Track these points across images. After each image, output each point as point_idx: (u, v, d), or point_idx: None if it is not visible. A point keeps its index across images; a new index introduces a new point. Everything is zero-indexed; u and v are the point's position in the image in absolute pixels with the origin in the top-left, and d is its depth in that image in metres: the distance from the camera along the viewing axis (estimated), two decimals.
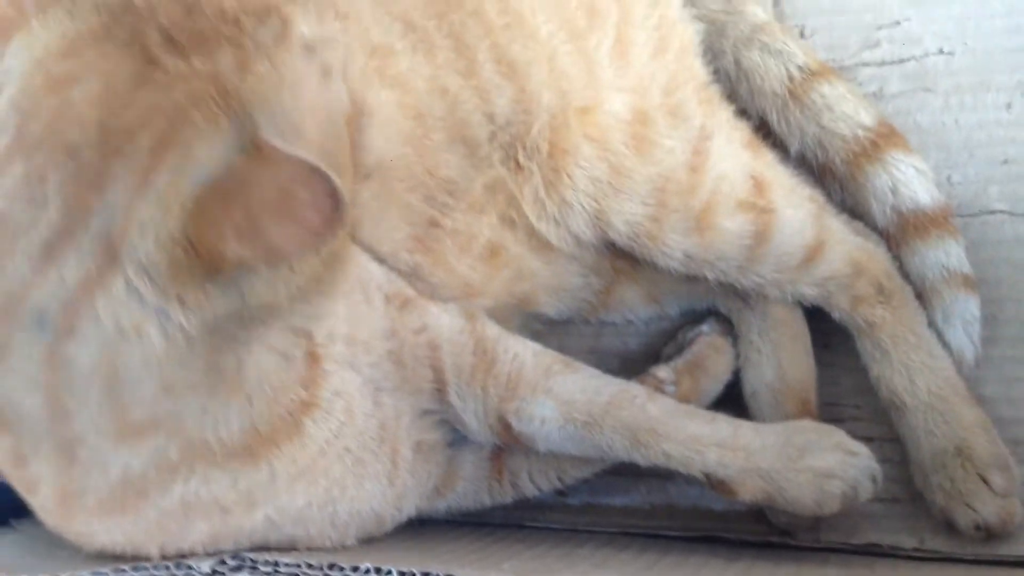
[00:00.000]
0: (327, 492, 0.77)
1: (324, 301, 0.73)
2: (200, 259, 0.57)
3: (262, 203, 0.56)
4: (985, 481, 0.84)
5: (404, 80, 0.85)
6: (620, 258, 0.95)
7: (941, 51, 0.99)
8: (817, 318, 0.95)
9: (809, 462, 0.81)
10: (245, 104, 0.59)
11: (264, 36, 0.63)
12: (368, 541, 0.83)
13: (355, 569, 0.71)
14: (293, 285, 0.63)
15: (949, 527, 0.86)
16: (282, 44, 0.63)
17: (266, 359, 0.70)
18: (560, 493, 0.98)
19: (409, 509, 0.86)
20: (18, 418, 0.66)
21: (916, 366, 0.88)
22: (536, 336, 0.91)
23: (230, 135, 0.58)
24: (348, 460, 0.78)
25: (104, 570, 0.72)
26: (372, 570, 0.71)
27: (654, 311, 1.01)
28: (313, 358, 0.75)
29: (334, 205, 0.55)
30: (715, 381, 0.95)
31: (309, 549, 0.78)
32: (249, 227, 0.56)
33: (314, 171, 0.55)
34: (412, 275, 0.86)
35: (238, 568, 0.73)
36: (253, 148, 0.58)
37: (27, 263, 0.60)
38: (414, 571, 0.69)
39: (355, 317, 0.79)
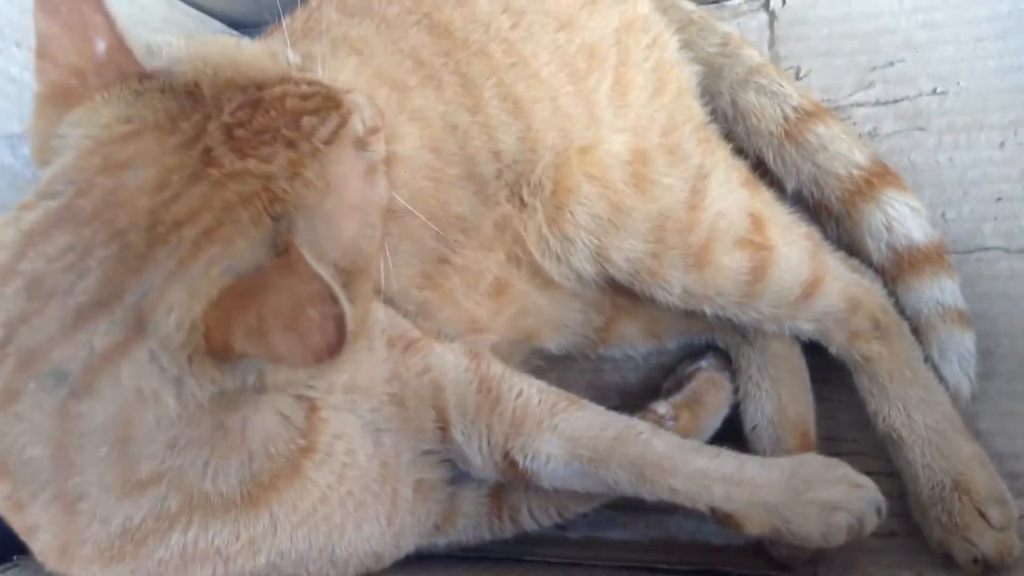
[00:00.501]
0: (327, 536, 0.78)
1: (336, 374, 0.76)
2: (210, 346, 0.58)
3: (276, 311, 0.57)
4: (983, 515, 0.85)
5: (422, 113, 0.86)
6: (620, 294, 0.96)
7: (935, 91, 1.01)
8: (815, 353, 0.96)
9: (815, 495, 0.81)
10: (289, 208, 0.61)
11: (320, 136, 0.64)
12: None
13: None
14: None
15: (947, 561, 0.87)
16: (335, 143, 0.65)
17: (270, 420, 0.71)
18: (560, 527, 0.98)
19: (408, 546, 0.86)
20: (19, 465, 0.66)
21: (913, 401, 0.89)
22: (537, 372, 0.91)
23: (269, 235, 0.60)
24: (350, 504, 0.78)
25: None
26: None
27: (653, 346, 1.02)
28: (312, 408, 0.76)
29: (338, 334, 0.56)
30: (713, 415, 0.96)
31: None
32: (258, 329, 0.57)
33: (328, 296, 0.56)
34: (419, 313, 0.87)
35: None
36: (284, 252, 0.59)
37: (56, 323, 0.61)
38: None
39: (355, 364, 0.79)
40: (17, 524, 0.70)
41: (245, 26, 1.22)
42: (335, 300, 0.56)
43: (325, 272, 0.57)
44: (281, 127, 0.64)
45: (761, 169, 1.00)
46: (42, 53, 0.67)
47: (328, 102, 0.66)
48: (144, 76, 0.66)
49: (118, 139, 0.62)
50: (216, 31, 1.22)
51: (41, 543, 0.70)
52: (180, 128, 0.62)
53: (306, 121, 0.64)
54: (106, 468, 0.64)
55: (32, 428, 0.64)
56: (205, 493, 0.68)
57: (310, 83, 0.68)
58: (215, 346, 0.58)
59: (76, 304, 0.61)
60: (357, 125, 0.67)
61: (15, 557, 0.92)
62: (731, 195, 0.91)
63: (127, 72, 0.66)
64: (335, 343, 0.56)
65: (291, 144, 0.63)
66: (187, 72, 0.65)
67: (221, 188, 0.60)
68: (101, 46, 0.66)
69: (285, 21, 0.96)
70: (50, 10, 0.66)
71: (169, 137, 0.62)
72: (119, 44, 0.66)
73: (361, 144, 0.66)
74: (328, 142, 0.64)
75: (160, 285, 0.59)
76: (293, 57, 0.73)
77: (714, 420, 0.96)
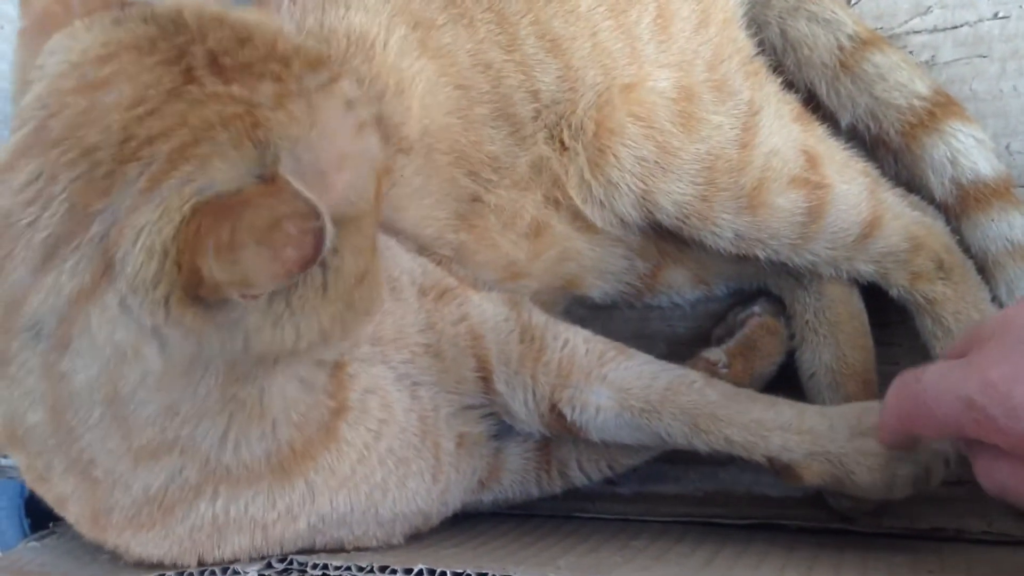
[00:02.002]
0: (369, 497, 0.76)
1: (351, 340, 0.72)
2: (180, 274, 0.54)
3: (251, 226, 0.53)
4: None
5: (447, 52, 0.83)
6: (666, 240, 0.93)
7: (996, 15, 0.95)
8: (874, 295, 0.92)
9: (879, 445, 0.77)
10: (274, 138, 0.57)
11: (309, 82, 0.61)
12: (415, 537, 0.82)
13: (408, 571, 0.69)
14: (308, 333, 0.61)
15: (1016, 508, 0.83)
16: (325, 92, 0.61)
17: (291, 387, 0.68)
18: (610, 482, 0.95)
19: (454, 504, 0.85)
20: (27, 434, 0.63)
21: None
22: (580, 322, 0.88)
23: (251, 161, 0.56)
24: (391, 461, 0.76)
25: None
26: (425, 571, 0.69)
27: (702, 293, 0.99)
28: (337, 365, 0.73)
29: (315, 247, 0.53)
30: (769, 363, 0.93)
31: (356, 549, 0.77)
32: (229, 247, 0.53)
33: (311, 211, 0.53)
34: (456, 259, 0.85)
35: (286, 571, 0.72)
36: (269, 179, 0.55)
37: (26, 267, 0.58)
38: (469, 571, 0.67)
39: (379, 315, 0.77)
40: (47, 496, 0.69)
41: None
42: (318, 215, 0.52)
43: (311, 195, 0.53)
44: (270, 63, 0.60)
45: (813, 104, 0.95)
46: None
47: (320, 62, 0.63)
48: (126, 4, 0.62)
49: (94, 60, 0.59)
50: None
51: (73, 513, 0.69)
52: (160, 48, 0.58)
53: (296, 64, 0.60)
54: (105, 432, 0.61)
55: (26, 392, 0.61)
56: (226, 465, 0.66)
57: (303, 41, 0.64)
58: (185, 273, 0.54)
59: (42, 240, 0.57)
60: (348, 87, 0.63)
61: (51, 524, 0.91)
62: (783, 131, 0.87)
63: (110, 1, 0.62)
64: (310, 256, 0.53)
65: (278, 79, 0.59)
66: (169, 3, 0.62)
67: (201, 106, 0.56)
68: None
69: None
70: None
71: (148, 57, 0.58)
72: None
73: (351, 106, 0.62)
74: (318, 88, 0.60)
75: (128, 207, 0.55)
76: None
77: (769, 368, 0.93)
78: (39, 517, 0.91)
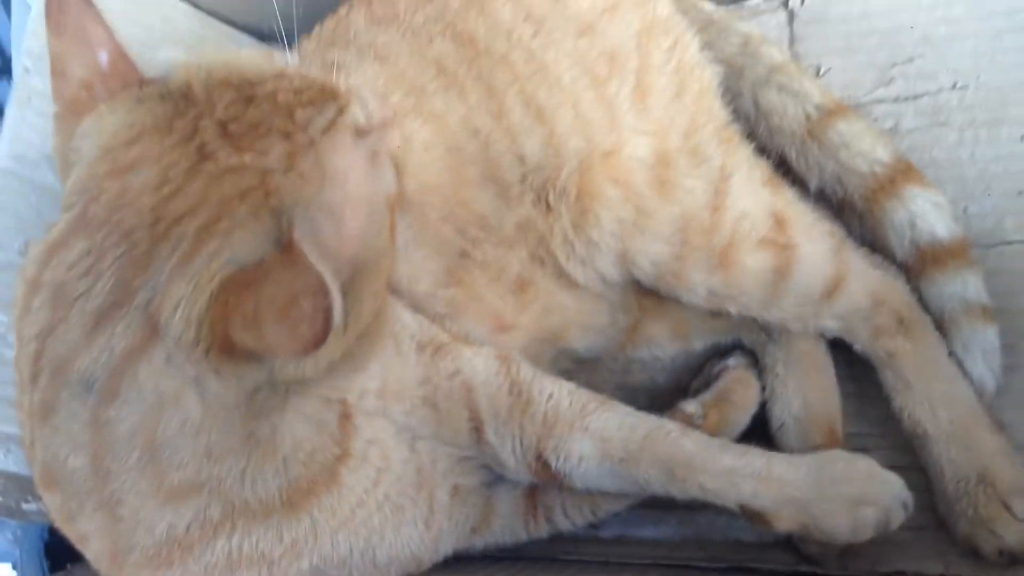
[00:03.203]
0: (367, 540, 0.80)
1: (356, 375, 0.77)
2: (215, 340, 0.60)
3: (271, 302, 0.58)
4: (1007, 507, 0.85)
5: (439, 116, 0.89)
6: (646, 296, 0.98)
7: (955, 86, 1.02)
8: (842, 349, 0.97)
9: (842, 491, 0.82)
10: (287, 202, 0.62)
11: (315, 126, 0.66)
12: None
13: None
14: (323, 362, 0.66)
15: (975, 553, 0.87)
16: (331, 132, 0.66)
17: (300, 426, 0.73)
18: (593, 526, 0.99)
19: (446, 549, 0.88)
20: (65, 476, 0.68)
21: (937, 396, 0.90)
22: (566, 374, 0.92)
23: (269, 229, 0.62)
24: (387, 508, 0.80)
25: None
26: None
27: (681, 347, 1.03)
28: (345, 415, 0.78)
29: (324, 326, 0.58)
30: (742, 413, 0.97)
31: None
32: (254, 320, 0.58)
33: (321, 288, 0.58)
34: (448, 315, 0.89)
35: None
36: (286, 245, 0.61)
37: (79, 330, 0.64)
38: None
39: (386, 370, 0.82)
40: (71, 534, 0.73)
41: (273, 39, 1.24)
42: (327, 292, 0.58)
43: (322, 266, 0.58)
44: (275, 120, 0.65)
45: (784, 168, 1.01)
46: (56, 72, 0.71)
47: (323, 94, 0.68)
48: (145, 83, 0.69)
49: (122, 144, 0.65)
50: (245, 45, 1.25)
51: (93, 551, 0.73)
52: (176, 127, 0.65)
53: (300, 113, 0.66)
54: (139, 474, 0.67)
55: (70, 439, 0.67)
56: (245, 500, 0.71)
57: (304, 78, 0.70)
58: (219, 339, 0.60)
59: (94, 308, 0.63)
60: (356, 114, 0.68)
61: (68, 565, 0.96)
62: (753, 195, 0.92)
63: (129, 80, 0.70)
64: (320, 335, 0.58)
65: (286, 136, 0.65)
66: (181, 76, 0.68)
67: (218, 182, 0.63)
68: (104, 57, 0.70)
69: (315, 30, 0.99)
70: (57, 30, 0.70)
71: (167, 137, 0.65)
72: (120, 54, 0.71)
73: (362, 133, 0.68)
74: (325, 131, 0.66)
75: (166, 281, 0.61)
76: (291, 59, 0.75)
77: (743, 418, 0.97)
78: (57, 559, 0.96)
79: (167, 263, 0.61)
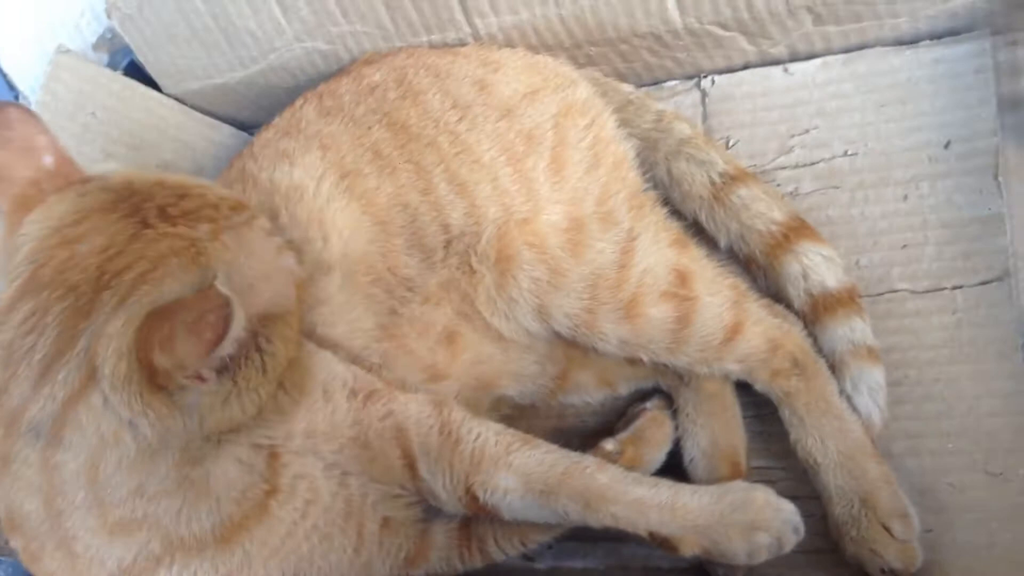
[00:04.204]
0: (297, 567, 0.88)
1: (284, 424, 0.86)
2: (140, 368, 0.70)
3: (183, 322, 0.69)
4: (887, 529, 0.94)
5: (370, 195, 0.99)
6: (571, 347, 1.06)
7: (846, 153, 1.12)
8: (749, 392, 1.06)
9: (739, 517, 0.90)
10: (213, 262, 0.75)
11: (235, 219, 0.80)
12: None
13: None
14: (250, 407, 0.77)
15: (862, 573, 0.96)
16: (248, 226, 0.80)
17: (232, 468, 0.82)
18: (527, 558, 1.09)
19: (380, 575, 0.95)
20: (23, 519, 0.78)
21: (827, 430, 0.99)
22: (506, 419, 1.00)
23: (196, 280, 0.74)
24: (315, 537, 0.88)
25: None
26: None
27: (607, 393, 1.13)
28: (272, 455, 0.86)
29: (225, 326, 0.69)
30: (657, 450, 1.05)
31: None
32: (168, 340, 0.69)
33: (225, 301, 0.69)
34: (383, 366, 0.97)
35: None
36: (206, 288, 0.72)
37: (27, 383, 0.74)
38: None
39: (312, 413, 0.89)
40: (38, 574, 0.82)
41: (251, 127, 1.38)
42: (229, 304, 0.69)
43: (231, 302, 0.69)
44: (204, 210, 0.78)
45: (697, 229, 1.12)
46: (2, 178, 0.82)
47: (241, 205, 0.82)
48: (86, 180, 0.81)
49: (70, 223, 0.77)
50: (226, 134, 1.38)
51: None
52: (119, 208, 0.77)
53: (223, 207, 0.79)
54: (87, 512, 0.76)
55: (26, 484, 0.76)
56: (181, 536, 0.80)
57: (226, 192, 0.84)
58: (143, 365, 0.69)
59: (39, 360, 0.73)
60: (264, 223, 0.82)
61: None
62: (658, 254, 1.02)
63: (72, 178, 0.82)
64: (221, 333, 0.69)
65: (212, 220, 0.78)
66: (121, 176, 0.81)
67: (156, 243, 0.75)
68: (49, 160, 0.83)
69: (275, 119, 1.12)
70: (3, 143, 0.82)
71: (111, 214, 0.77)
72: (63, 157, 0.83)
73: (270, 232, 0.80)
74: (243, 223, 0.79)
75: (103, 322, 0.71)
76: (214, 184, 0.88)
77: (658, 454, 1.05)
78: None
79: (106, 306, 0.72)
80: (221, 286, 0.72)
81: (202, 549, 0.81)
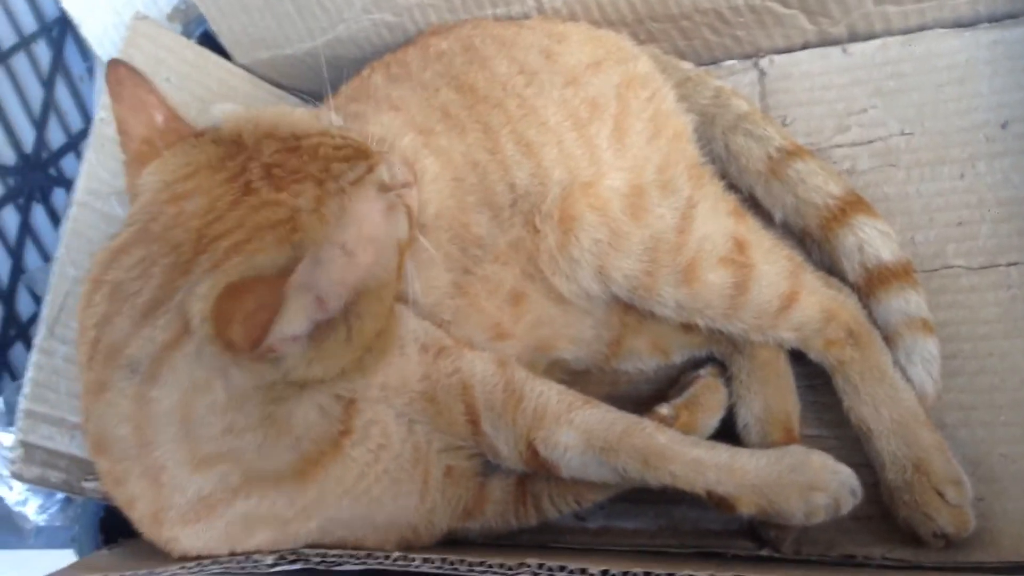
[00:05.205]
0: (368, 507, 0.91)
1: (365, 380, 0.89)
2: (216, 331, 0.72)
3: (243, 308, 0.70)
4: (940, 494, 0.95)
5: (445, 152, 1.02)
6: (627, 313, 1.09)
7: (903, 132, 1.14)
8: (803, 363, 1.08)
9: (797, 479, 0.92)
10: (307, 240, 0.76)
11: (346, 177, 0.80)
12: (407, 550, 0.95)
13: (387, 556, 0.85)
14: (332, 369, 0.79)
15: (914, 538, 0.97)
16: (359, 184, 0.81)
17: (312, 412, 0.85)
18: (579, 518, 1.11)
19: (441, 525, 0.98)
20: (113, 443, 0.82)
21: (880, 397, 1.00)
22: (561, 385, 1.01)
23: (287, 254, 0.75)
24: (386, 480, 0.91)
25: (189, 565, 0.87)
26: (401, 557, 0.84)
27: (660, 360, 1.15)
28: (350, 401, 0.89)
29: (260, 334, 0.70)
30: (711, 416, 1.07)
31: (355, 549, 0.90)
32: (227, 319, 0.70)
33: (276, 307, 0.70)
34: (452, 323, 1.00)
35: (295, 561, 0.86)
36: (285, 272, 0.72)
37: (129, 321, 0.78)
38: (434, 558, 0.82)
39: (388, 367, 0.92)
40: (120, 497, 0.87)
41: (318, 99, 1.42)
42: (276, 311, 0.70)
43: (299, 295, 0.71)
44: (312, 168, 0.80)
45: (753, 203, 1.14)
46: (121, 131, 0.87)
47: (358, 152, 0.83)
48: (198, 134, 0.85)
49: (180, 179, 0.81)
50: (293, 105, 1.42)
51: (138, 512, 0.86)
52: (227, 167, 0.80)
53: (335, 166, 0.80)
54: (176, 446, 0.80)
55: (118, 412, 0.80)
56: (261, 470, 0.83)
57: (345, 138, 0.84)
58: (218, 331, 0.71)
59: (142, 303, 0.77)
60: (383, 173, 0.82)
61: (119, 539, 1.10)
62: (716, 222, 1.04)
63: (183, 133, 0.85)
64: (256, 340, 0.70)
65: (319, 183, 0.79)
66: (232, 125, 0.84)
67: (255, 212, 0.77)
68: (159, 118, 0.87)
69: (342, 88, 1.16)
70: (118, 98, 0.87)
71: (218, 174, 0.80)
72: (173, 115, 0.87)
73: (385, 188, 0.82)
74: (353, 183, 0.80)
75: (196, 283, 0.74)
76: (336, 119, 0.90)
77: (711, 420, 1.07)
78: (111, 534, 1.10)
79: (201, 269, 0.75)
80: (297, 275, 0.72)
81: (279, 482, 0.85)
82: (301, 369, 0.77)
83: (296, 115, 0.88)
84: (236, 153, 0.81)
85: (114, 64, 0.87)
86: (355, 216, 0.78)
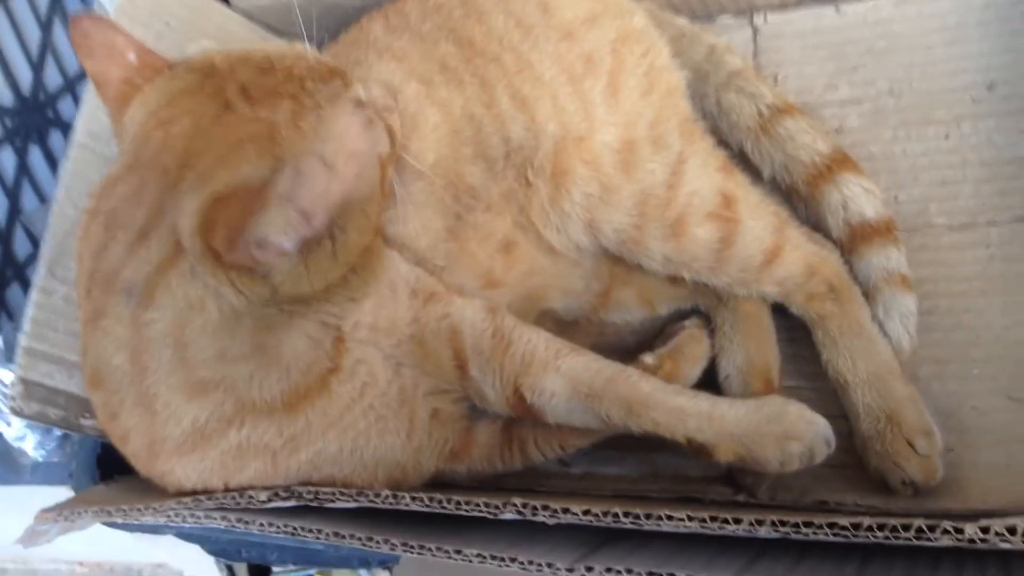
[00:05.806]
0: (354, 441, 0.93)
1: (351, 304, 0.90)
2: (206, 247, 0.75)
3: (228, 216, 0.73)
4: (911, 444, 0.98)
5: (444, 103, 1.03)
6: (616, 265, 1.11)
7: (891, 92, 1.16)
8: (785, 316, 1.10)
9: (774, 428, 0.94)
10: (287, 152, 0.78)
11: (323, 93, 0.83)
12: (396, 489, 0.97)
13: (377, 495, 0.88)
14: (318, 282, 0.82)
15: (884, 487, 1.00)
16: (335, 100, 0.83)
17: (301, 342, 0.87)
18: (563, 463, 1.14)
19: (428, 465, 1.01)
20: (109, 374, 0.84)
21: (857, 351, 1.03)
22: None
23: (268, 165, 0.78)
24: (371, 416, 0.93)
25: (186, 500, 0.90)
26: (391, 496, 0.87)
27: (647, 312, 1.17)
28: (338, 339, 0.91)
29: (243, 224, 0.72)
30: (693, 366, 1.10)
31: (344, 486, 0.93)
32: (211, 225, 0.74)
33: (260, 204, 0.72)
34: (446, 267, 1.02)
35: (287, 497, 0.89)
36: (267, 182, 0.74)
37: (124, 246, 0.81)
38: (423, 496, 0.85)
39: (378, 308, 0.94)
40: (114, 432, 0.89)
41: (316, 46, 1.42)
42: (256, 218, 0.72)
43: (277, 202, 0.72)
44: (288, 86, 0.82)
45: (742, 159, 1.16)
46: (97, 84, 0.90)
47: (332, 73, 0.85)
48: (171, 66, 0.87)
49: (164, 105, 0.84)
50: None
51: (133, 446, 0.88)
52: (204, 90, 0.82)
53: (310, 83, 0.83)
54: (171, 370, 0.82)
55: (115, 339, 0.83)
56: (253, 400, 0.86)
57: (318, 59, 0.86)
58: (209, 248, 0.74)
59: (136, 228, 0.80)
60: (359, 91, 0.84)
61: (114, 476, 1.13)
62: (705, 177, 1.06)
63: (158, 67, 0.88)
64: (240, 230, 0.73)
65: (295, 99, 0.82)
66: (204, 56, 0.87)
67: (235, 128, 0.80)
68: (132, 56, 0.89)
69: (340, 37, 1.17)
70: (88, 53, 0.89)
71: (197, 95, 0.82)
72: (145, 50, 0.89)
73: (361, 105, 0.83)
74: (328, 99, 0.82)
75: (183, 200, 0.77)
76: (311, 49, 0.91)
77: (694, 370, 1.10)
78: (107, 470, 1.14)
79: (189, 186, 0.78)
80: (278, 183, 0.73)
81: (270, 413, 0.87)
82: (289, 285, 0.80)
83: (269, 45, 0.91)
84: (211, 75, 0.84)
85: (75, 21, 0.89)
86: (333, 130, 0.78)
